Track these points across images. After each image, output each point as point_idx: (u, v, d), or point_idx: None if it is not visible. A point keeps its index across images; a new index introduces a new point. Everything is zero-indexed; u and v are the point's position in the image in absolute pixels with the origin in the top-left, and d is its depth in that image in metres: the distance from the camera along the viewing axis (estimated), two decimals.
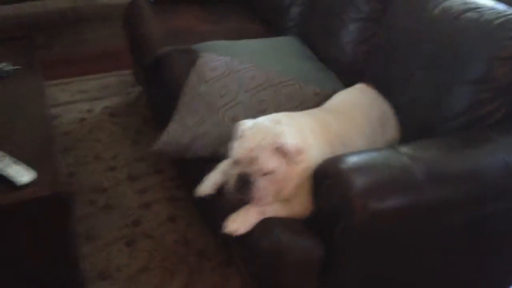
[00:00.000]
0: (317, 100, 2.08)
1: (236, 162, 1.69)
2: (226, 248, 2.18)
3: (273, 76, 2.08)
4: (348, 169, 1.56)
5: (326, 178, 1.62)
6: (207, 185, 1.85)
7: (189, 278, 2.18)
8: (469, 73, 1.80)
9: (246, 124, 1.73)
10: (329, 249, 1.61)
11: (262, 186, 1.65)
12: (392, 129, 2.01)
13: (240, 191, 1.68)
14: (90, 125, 3.10)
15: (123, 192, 2.62)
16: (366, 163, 1.60)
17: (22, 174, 1.72)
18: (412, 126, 1.95)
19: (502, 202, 1.71)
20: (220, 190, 1.82)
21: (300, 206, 1.69)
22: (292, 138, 1.66)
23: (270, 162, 1.64)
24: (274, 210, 1.69)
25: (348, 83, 2.27)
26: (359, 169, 1.57)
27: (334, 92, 2.13)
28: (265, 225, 1.67)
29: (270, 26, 2.86)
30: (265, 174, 1.65)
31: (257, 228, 1.67)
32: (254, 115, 1.95)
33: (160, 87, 2.66)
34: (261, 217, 1.68)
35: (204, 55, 2.20)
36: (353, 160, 1.61)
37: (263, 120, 1.75)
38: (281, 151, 1.64)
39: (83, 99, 3.34)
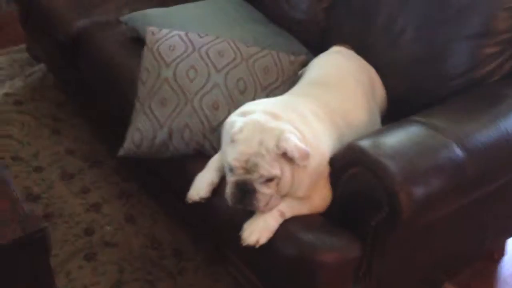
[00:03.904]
0: (293, 69, 1.86)
1: (232, 170, 1.46)
2: (215, 248, 1.97)
3: (242, 48, 1.82)
4: (381, 154, 1.38)
5: (351, 166, 1.44)
6: (201, 188, 1.59)
7: (173, 284, 1.94)
8: (469, 27, 1.67)
9: (237, 123, 1.47)
10: (364, 245, 1.45)
11: (266, 194, 1.43)
12: (379, 91, 1.85)
13: (241, 201, 1.46)
14: None
15: (61, 196, 2.24)
16: (397, 144, 1.43)
17: None
18: (405, 89, 1.81)
19: None
20: (217, 191, 1.59)
21: (320, 200, 1.51)
22: (296, 138, 1.42)
23: (273, 169, 1.42)
24: (294, 209, 1.49)
25: (308, 46, 2.07)
26: (393, 152, 1.40)
27: (308, 58, 1.92)
28: (285, 228, 1.47)
29: None
30: (268, 181, 1.43)
31: (276, 233, 1.46)
32: (235, 98, 1.73)
33: (85, 67, 2.27)
34: (281, 220, 1.47)
35: (154, 31, 1.86)
36: (381, 142, 1.44)
37: (257, 116, 1.48)
38: (285, 155, 1.42)
39: None
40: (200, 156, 1.69)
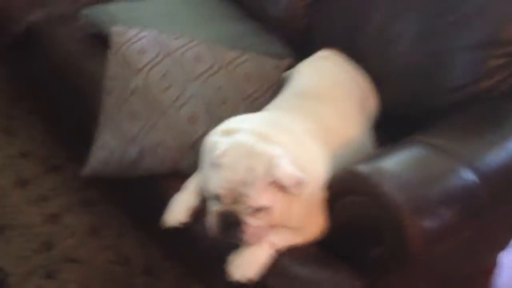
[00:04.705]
0: (277, 75, 1.70)
1: (216, 198, 1.31)
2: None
3: (221, 52, 1.65)
4: (385, 183, 1.24)
5: (348, 194, 1.31)
6: (179, 212, 1.44)
7: None
8: (474, 36, 1.54)
9: (220, 145, 1.31)
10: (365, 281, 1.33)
11: (254, 225, 1.29)
12: (372, 102, 1.70)
13: (226, 233, 1.31)
14: None
15: (16, 205, 2.04)
16: (401, 170, 1.29)
17: None
18: (399, 101, 1.67)
19: None
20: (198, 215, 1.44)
21: (315, 228, 1.38)
22: (289, 164, 1.28)
23: (262, 199, 1.27)
24: (287, 239, 1.35)
25: (290, 47, 1.89)
26: (398, 179, 1.26)
27: (293, 62, 1.75)
28: (277, 261, 1.33)
29: None
30: (257, 211, 1.29)
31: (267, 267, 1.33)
32: (215, 110, 1.57)
33: (38, 67, 2.05)
34: (272, 253, 1.33)
35: (120, 31, 1.67)
36: (383, 168, 1.30)
37: (243, 137, 1.32)
38: (276, 183, 1.28)
39: None
40: (176, 174, 1.53)
